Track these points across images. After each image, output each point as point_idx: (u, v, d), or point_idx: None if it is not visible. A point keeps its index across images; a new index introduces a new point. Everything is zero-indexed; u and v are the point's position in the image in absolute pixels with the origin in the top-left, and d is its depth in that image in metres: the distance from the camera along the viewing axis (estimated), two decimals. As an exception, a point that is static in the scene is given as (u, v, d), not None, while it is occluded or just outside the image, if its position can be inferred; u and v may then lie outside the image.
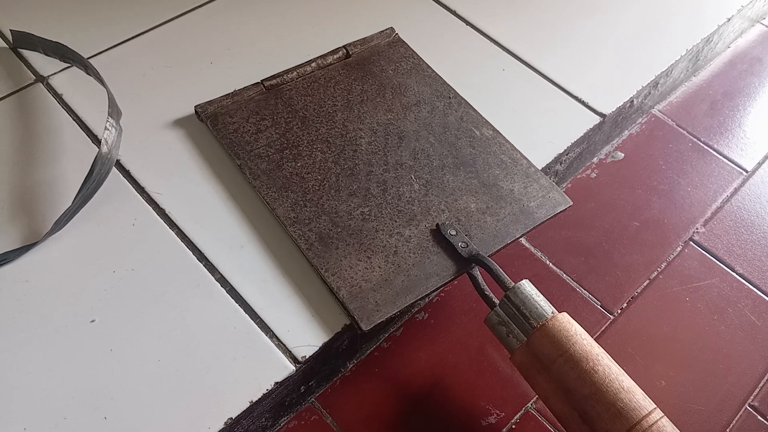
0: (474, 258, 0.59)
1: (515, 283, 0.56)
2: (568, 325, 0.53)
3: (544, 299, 0.55)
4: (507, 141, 0.70)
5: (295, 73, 0.73)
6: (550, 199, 0.66)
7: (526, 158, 0.69)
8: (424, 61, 0.77)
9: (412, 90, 0.74)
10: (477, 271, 0.60)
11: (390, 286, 0.58)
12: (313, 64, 0.74)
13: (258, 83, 0.71)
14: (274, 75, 0.72)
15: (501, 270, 0.58)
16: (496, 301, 0.57)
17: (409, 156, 0.68)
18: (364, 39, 0.77)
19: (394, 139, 0.69)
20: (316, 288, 0.59)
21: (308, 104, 0.71)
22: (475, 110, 0.72)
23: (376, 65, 0.75)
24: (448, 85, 0.74)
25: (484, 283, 0.59)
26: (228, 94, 0.70)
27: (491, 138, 0.70)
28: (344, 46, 0.76)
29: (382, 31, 0.79)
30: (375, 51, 0.77)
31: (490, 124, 0.71)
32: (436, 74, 0.75)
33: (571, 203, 0.66)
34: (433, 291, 0.59)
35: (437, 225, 0.62)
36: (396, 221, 0.63)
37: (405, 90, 0.73)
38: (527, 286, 0.55)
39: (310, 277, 0.60)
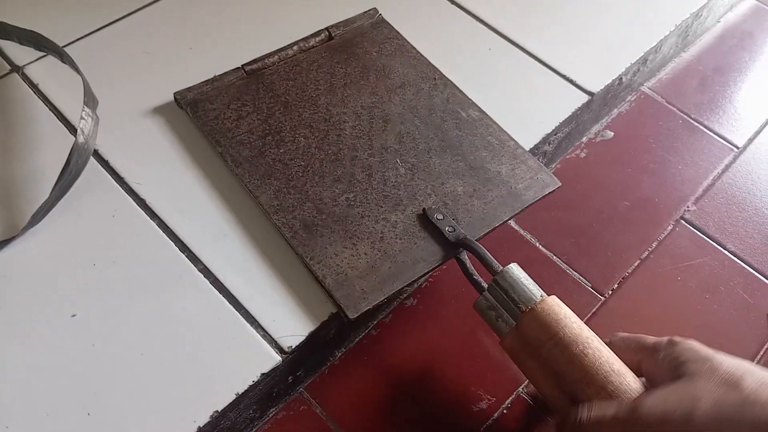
0: (461, 242, 0.58)
1: (503, 266, 0.55)
2: (557, 308, 0.52)
3: (533, 282, 0.54)
4: (494, 122, 0.69)
5: (276, 56, 0.71)
6: (538, 181, 0.65)
7: (513, 139, 0.67)
8: (408, 42, 0.75)
9: (397, 72, 0.72)
10: (465, 256, 0.59)
11: (377, 272, 0.57)
12: (295, 47, 0.72)
13: (238, 68, 0.69)
14: (254, 59, 0.70)
15: (489, 254, 0.57)
16: (485, 286, 0.56)
17: (395, 139, 0.66)
18: (346, 20, 0.75)
19: (379, 123, 0.67)
20: (301, 277, 0.58)
21: (290, 89, 0.69)
22: (461, 91, 0.71)
23: (360, 47, 0.74)
24: (434, 66, 0.73)
25: (473, 268, 0.58)
26: (208, 80, 0.68)
27: (478, 119, 0.69)
28: (326, 28, 0.74)
29: (366, 12, 0.77)
30: (358, 32, 0.75)
31: (477, 105, 0.70)
32: (421, 55, 0.74)
33: (560, 184, 0.65)
34: (421, 277, 0.58)
35: (424, 209, 0.61)
36: (382, 207, 0.61)
37: (389, 72, 0.72)
38: (515, 270, 0.54)
39: (295, 266, 0.59)
